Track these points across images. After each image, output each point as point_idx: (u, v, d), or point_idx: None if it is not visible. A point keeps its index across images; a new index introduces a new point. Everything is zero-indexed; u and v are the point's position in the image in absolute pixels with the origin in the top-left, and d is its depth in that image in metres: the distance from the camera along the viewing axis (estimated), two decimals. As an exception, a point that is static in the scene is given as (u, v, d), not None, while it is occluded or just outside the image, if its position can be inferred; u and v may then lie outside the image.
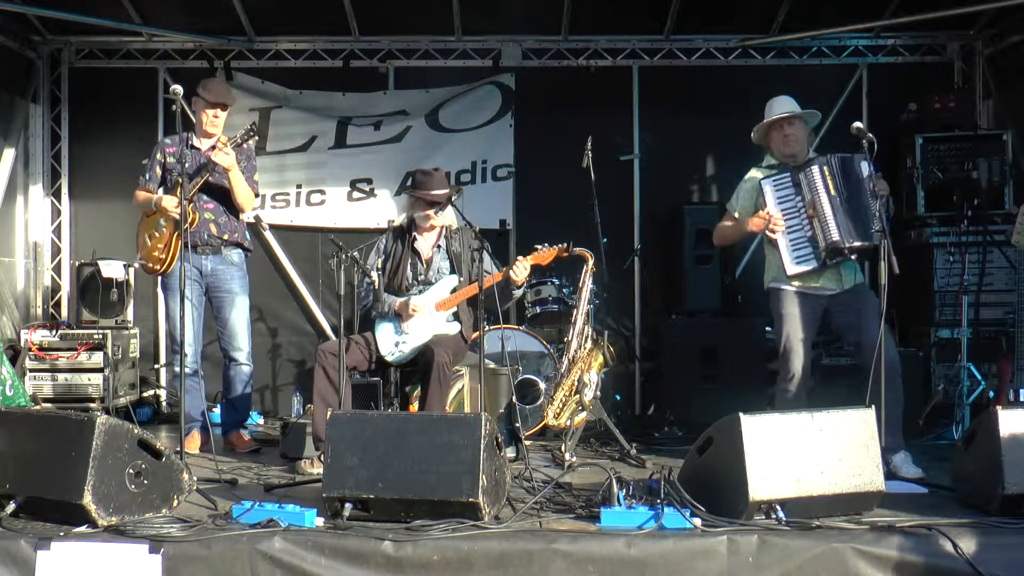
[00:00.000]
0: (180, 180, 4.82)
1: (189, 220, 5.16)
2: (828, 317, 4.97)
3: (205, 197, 5.38)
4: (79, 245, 7.38)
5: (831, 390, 5.76)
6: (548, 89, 7.28)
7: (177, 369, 5.29)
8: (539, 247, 5.26)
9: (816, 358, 5.67)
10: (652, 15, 7.07)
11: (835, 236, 4.68)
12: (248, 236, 5.67)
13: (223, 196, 5.40)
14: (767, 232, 4.84)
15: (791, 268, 4.80)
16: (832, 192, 4.72)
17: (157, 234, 5.37)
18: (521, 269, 5.01)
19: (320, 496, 3.68)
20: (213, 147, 5.34)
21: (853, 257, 4.80)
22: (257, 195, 5.61)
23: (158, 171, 5.45)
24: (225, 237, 5.44)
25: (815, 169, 4.76)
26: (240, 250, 5.57)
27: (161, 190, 5.49)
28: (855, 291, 4.85)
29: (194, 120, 5.53)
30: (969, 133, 6.59)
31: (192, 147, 5.44)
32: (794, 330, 4.87)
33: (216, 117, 5.43)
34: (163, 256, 5.31)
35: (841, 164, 4.77)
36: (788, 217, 4.81)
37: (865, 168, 4.70)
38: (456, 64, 7.38)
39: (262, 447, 5.62)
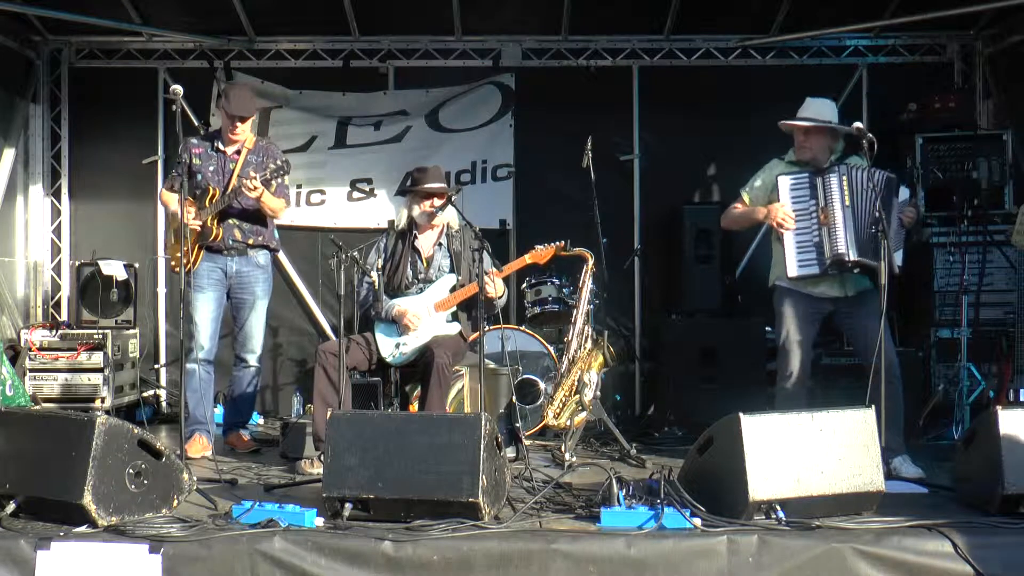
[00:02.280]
0: (218, 191, 4.87)
1: (213, 235, 5.26)
2: (834, 320, 4.95)
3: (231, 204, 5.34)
4: (79, 245, 7.37)
5: (831, 390, 5.77)
6: (548, 89, 7.27)
7: (190, 366, 5.32)
8: (538, 246, 5.27)
9: (816, 358, 5.67)
10: (652, 15, 7.06)
11: (841, 248, 4.62)
12: (276, 235, 5.65)
13: (248, 202, 5.34)
14: (775, 227, 4.79)
15: (793, 270, 4.77)
16: (847, 203, 4.63)
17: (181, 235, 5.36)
18: (496, 285, 4.97)
19: (320, 496, 3.68)
20: (238, 152, 5.36)
21: (856, 271, 4.75)
22: (288, 200, 5.63)
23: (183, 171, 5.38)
24: (250, 242, 5.41)
25: (834, 178, 4.66)
26: (267, 251, 5.55)
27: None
28: (861, 296, 4.82)
29: (197, 120, 5.56)
30: (969, 133, 6.58)
31: (218, 150, 5.41)
32: (792, 330, 4.86)
33: (235, 128, 5.33)
34: (186, 259, 5.26)
35: (876, 180, 4.65)
36: (801, 218, 4.74)
37: (902, 193, 4.66)
38: (456, 64, 7.38)
39: (262, 447, 5.62)
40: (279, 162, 5.22)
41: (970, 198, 6.19)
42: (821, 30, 7.06)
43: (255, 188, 5.11)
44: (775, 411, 3.91)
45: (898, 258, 4.69)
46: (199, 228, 5.29)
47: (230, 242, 5.36)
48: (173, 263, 5.48)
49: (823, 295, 4.86)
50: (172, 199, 5.37)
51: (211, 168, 5.37)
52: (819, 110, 4.90)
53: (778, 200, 4.78)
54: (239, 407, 5.63)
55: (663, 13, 6.98)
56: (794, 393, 4.84)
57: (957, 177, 6.35)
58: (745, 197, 5.04)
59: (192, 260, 5.32)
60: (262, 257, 5.52)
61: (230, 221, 5.34)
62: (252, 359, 5.54)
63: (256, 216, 5.41)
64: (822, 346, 6.07)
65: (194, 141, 5.46)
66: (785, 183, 4.79)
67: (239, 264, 5.43)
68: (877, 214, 4.46)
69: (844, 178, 4.67)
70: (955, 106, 6.68)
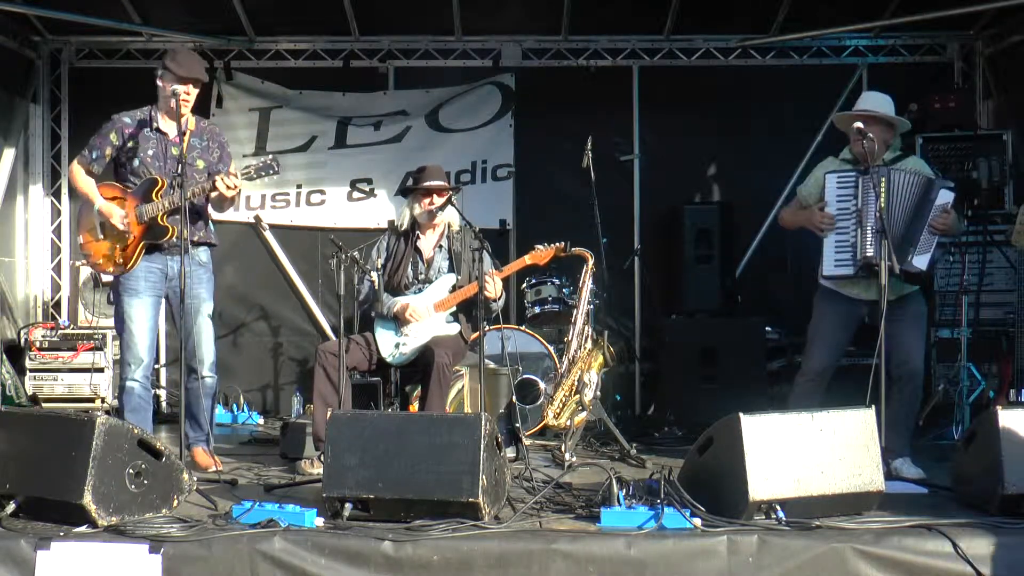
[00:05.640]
0: (165, 181, 4.51)
1: (168, 234, 4.64)
2: (872, 323, 4.88)
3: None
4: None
5: (831, 390, 5.75)
6: (548, 89, 7.28)
7: (128, 384, 4.78)
8: (538, 247, 5.27)
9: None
10: (652, 15, 7.07)
11: (870, 251, 4.54)
12: (212, 228, 5.03)
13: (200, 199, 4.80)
14: (814, 229, 4.76)
15: (828, 269, 4.74)
16: (882, 205, 4.50)
17: (113, 230, 4.77)
18: (493, 285, 4.95)
19: (320, 496, 3.68)
20: (183, 133, 4.62)
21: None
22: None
23: (108, 152, 4.77)
24: (195, 239, 4.75)
25: (875, 179, 4.55)
26: (206, 247, 4.94)
27: (90, 183, 4.88)
28: (899, 301, 4.68)
29: (159, 97, 4.77)
30: (969, 133, 6.58)
31: (158, 131, 4.75)
32: (820, 329, 4.86)
33: (187, 95, 4.61)
34: (119, 259, 4.76)
35: (910, 182, 4.58)
36: (842, 218, 4.67)
37: (942, 197, 4.56)
38: (456, 64, 7.39)
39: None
40: (268, 160, 4.68)
41: (970, 198, 6.19)
42: (821, 30, 7.06)
43: (234, 187, 4.57)
44: (780, 408, 3.91)
45: (923, 262, 4.58)
46: (142, 225, 4.69)
47: (175, 239, 4.63)
48: (101, 262, 4.84)
49: (858, 297, 4.79)
50: (86, 184, 4.83)
51: (150, 152, 4.73)
52: (877, 103, 4.81)
53: (825, 198, 4.74)
54: (199, 422, 4.88)
55: (663, 13, 6.98)
56: (809, 391, 4.82)
57: (957, 177, 6.30)
58: (799, 195, 5.02)
59: (132, 260, 4.72)
60: (203, 254, 4.91)
61: (178, 216, 4.54)
62: (205, 369, 4.85)
63: (195, 211, 4.77)
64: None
65: (126, 119, 4.74)
66: (832, 181, 4.73)
67: (179, 264, 4.57)
68: (922, 224, 4.43)
69: (883, 180, 4.53)
70: (955, 106, 6.68)
